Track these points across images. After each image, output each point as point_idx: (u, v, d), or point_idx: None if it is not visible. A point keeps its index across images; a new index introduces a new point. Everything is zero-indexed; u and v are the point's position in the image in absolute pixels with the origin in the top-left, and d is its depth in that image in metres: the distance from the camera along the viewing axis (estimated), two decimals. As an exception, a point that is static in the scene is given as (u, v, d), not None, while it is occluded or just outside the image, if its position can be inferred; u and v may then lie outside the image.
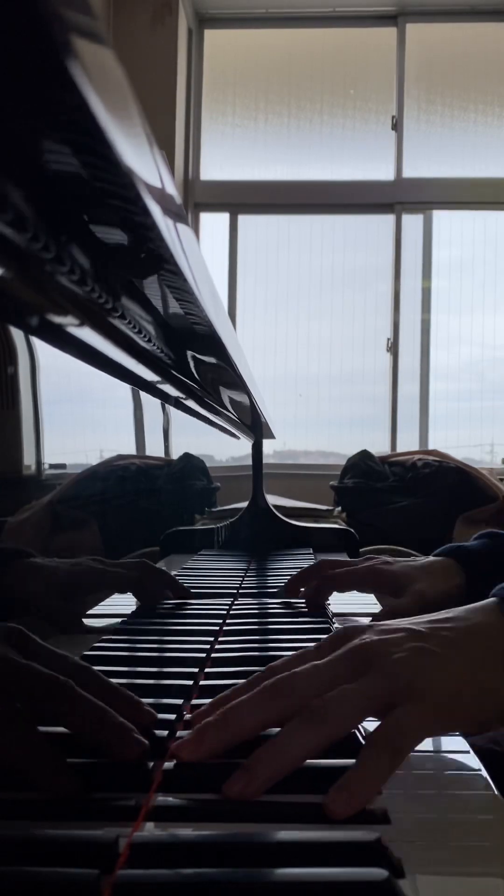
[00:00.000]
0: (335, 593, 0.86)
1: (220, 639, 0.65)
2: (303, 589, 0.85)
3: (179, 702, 0.47)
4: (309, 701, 0.39)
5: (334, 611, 0.82)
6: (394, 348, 4.20)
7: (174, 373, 0.86)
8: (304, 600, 0.83)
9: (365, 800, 0.35)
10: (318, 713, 0.38)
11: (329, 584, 0.82)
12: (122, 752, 0.37)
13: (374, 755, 0.37)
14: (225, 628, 0.70)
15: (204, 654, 0.59)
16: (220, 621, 0.72)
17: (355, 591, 0.86)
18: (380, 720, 0.40)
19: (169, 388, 0.92)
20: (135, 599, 0.80)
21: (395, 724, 0.39)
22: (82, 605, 0.71)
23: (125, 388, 0.79)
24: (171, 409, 0.98)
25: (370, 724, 0.41)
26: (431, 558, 0.84)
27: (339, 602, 0.86)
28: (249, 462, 1.53)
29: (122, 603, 0.78)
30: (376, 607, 0.85)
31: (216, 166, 4.34)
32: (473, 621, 0.46)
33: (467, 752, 0.43)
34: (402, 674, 0.41)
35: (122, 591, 0.78)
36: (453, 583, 0.80)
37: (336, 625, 0.75)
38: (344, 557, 1.31)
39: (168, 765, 0.38)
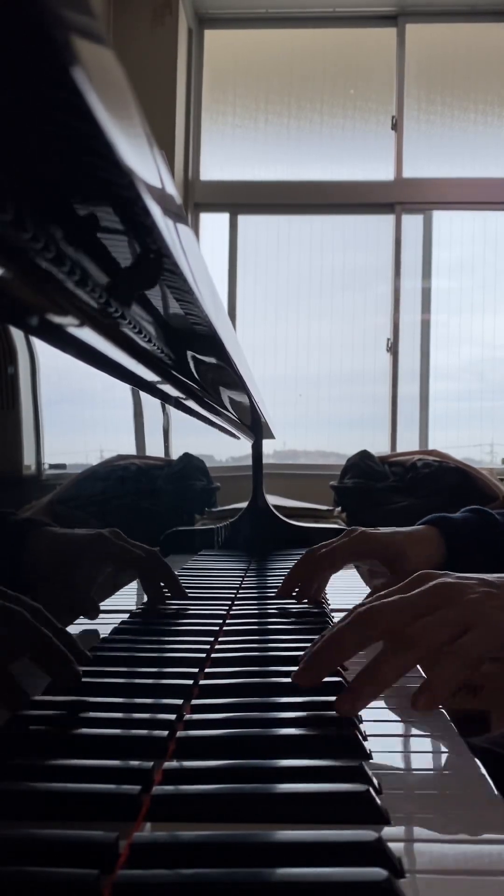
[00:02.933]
0: (336, 599, 0.86)
1: (220, 639, 0.65)
2: (296, 591, 0.83)
3: (179, 702, 0.47)
4: (397, 628, 0.47)
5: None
6: (394, 348, 4.20)
7: (174, 373, 0.86)
8: (303, 600, 0.83)
9: (442, 698, 0.45)
10: (407, 640, 0.46)
11: (322, 567, 0.81)
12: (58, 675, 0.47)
13: (450, 661, 0.46)
14: (225, 628, 0.70)
15: (204, 654, 0.59)
16: (220, 621, 0.72)
17: (354, 595, 0.86)
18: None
19: (169, 389, 0.92)
20: (135, 599, 0.80)
21: (466, 642, 0.46)
22: (91, 581, 0.71)
23: (125, 388, 0.79)
24: (171, 409, 0.98)
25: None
26: (416, 527, 0.86)
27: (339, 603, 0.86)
28: (249, 462, 1.53)
29: (123, 603, 0.78)
30: None
31: (216, 166, 4.34)
32: None
33: (466, 752, 0.43)
34: (475, 609, 0.48)
35: (126, 568, 0.78)
36: (436, 550, 0.83)
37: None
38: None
39: (168, 764, 0.38)
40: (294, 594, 0.83)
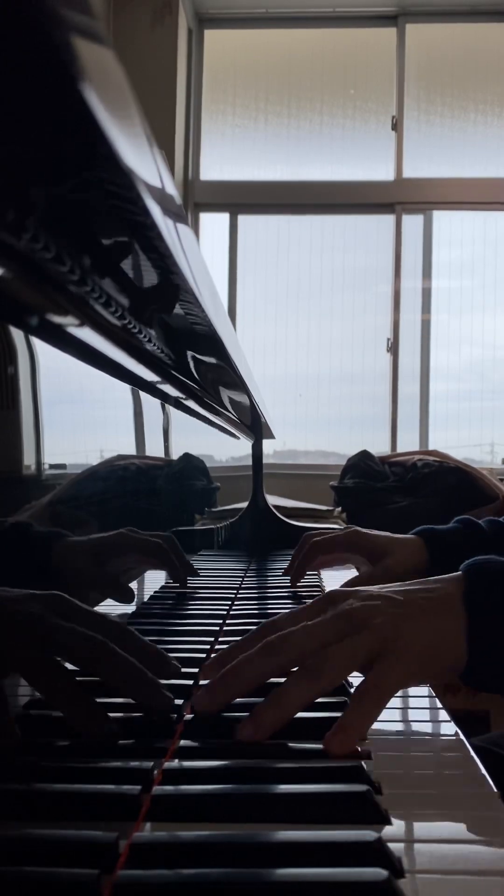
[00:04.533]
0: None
1: (220, 639, 0.65)
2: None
3: (180, 702, 0.47)
4: (303, 658, 0.46)
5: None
6: (394, 348, 4.20)
7: (174, 373, 0.86)
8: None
9: (356, 738, 0.42)
10: (314, 669, 0.45)
11: (314, 550, 0.91)
12: (151, 703, 0.44)
13: (364, 701, 0.44)
14: (225, 628, 0.70)
15: (204, 655, 0.59)
16: (220, 621, 0.72)
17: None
18: (363, 674, 0.46)
19: (169, 388, 0.92)
20: (135, 600, 0.80)
21: (380, 674, 0.45)
22: (122, 571, 0.77)
23: (125, 388, 0.78)
24: (171, 409, 0.98)
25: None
26: (407, 535, 0.91)
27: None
28: (249, 462, 1.53)
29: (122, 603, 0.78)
30: None
31: (216, 166, 4.33)
32: (440, 591, 0.52)
33: (467, 752, 0.43)
34: (383, 635, 0.47)
35: (149, 556, 0.83)
36: (420, 559, 0.88)
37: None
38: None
39: (168, 764, 0.38)
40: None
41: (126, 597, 0.74)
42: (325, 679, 0.45)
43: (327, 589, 0.98)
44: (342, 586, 0.84)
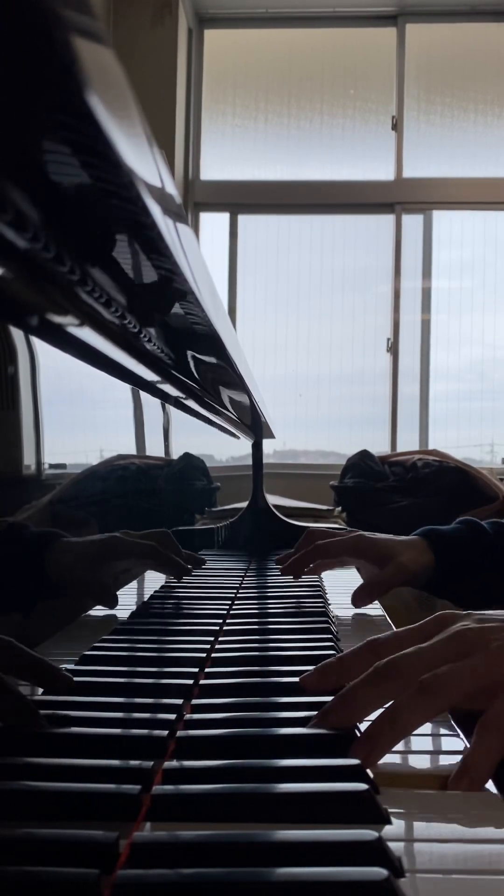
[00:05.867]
0: (336, 599, 0.87)
1: (220, 639, 0.65)
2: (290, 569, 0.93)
3: (179, 702, 0.47)
4: (420, 675, 0.43)
5: (336, 613, 0.82)
6: (394, 348, 4.20)
7: (174, 373, 0.86)
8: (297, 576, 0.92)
9: (485, 778, 0.39)
10: (431, 687, 0.42)
11: (318, 553, 0.90)
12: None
13: (488, 737, 0.41)
14: (225, 628, 0.70)
15: (204, 654, 0.59)
16: (220, 621, 0.72)
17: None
18: (476, 702, 0.43)
19: (169, 388, 0.92)
20: (134, 600, 0.80)
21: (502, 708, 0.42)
22: (111, 578, 0.76)
23: (125, 388, 0.78)
24: (171, 409, 0.98)
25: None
26: (411, 537, 0.91)
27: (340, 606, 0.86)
28: (249, 462, 1.53)
29: (122, 603, 0.78)
30: (378, 610, 0.86)
31: (216, 166, 4.33)
32: None
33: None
34: (502, 660, 0.44)
35: (144, 558, 0.82)
36: (426, 560, 0.88)
37: (334, 626, 0.75)
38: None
39: (168, 764, 0.38)
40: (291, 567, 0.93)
41: (110, 602, 0.73)
42: (443, 698, 0.43)
43: (325, 583, 0.98)
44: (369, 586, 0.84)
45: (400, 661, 0.45)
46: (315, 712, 0.44)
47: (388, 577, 0.85)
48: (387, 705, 0.43)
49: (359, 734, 0.42)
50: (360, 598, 0.84)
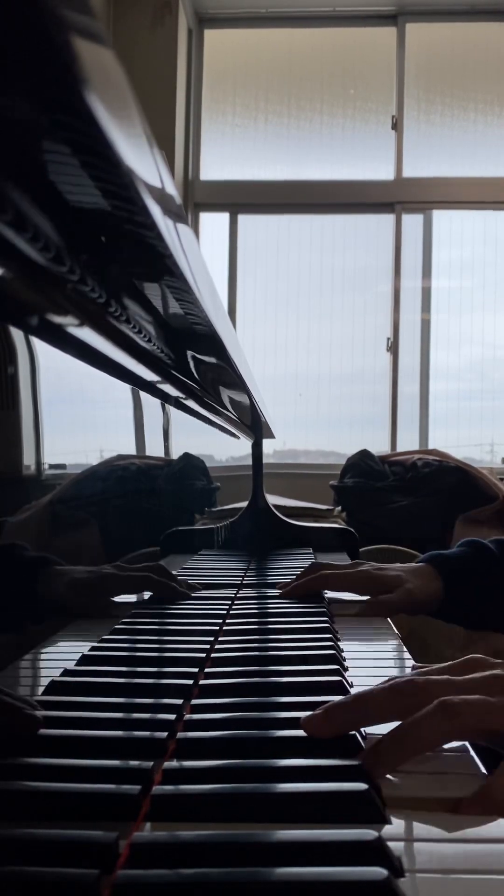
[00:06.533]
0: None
1: (220, 639, 0.65)
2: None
3: (179, 702, 0.47)
4: (443, 697, 0.41)
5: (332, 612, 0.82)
6: (394, 348, 4.20)
7: (174, 373, 0.86)
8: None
9: (496, 813, 0.36)
10: (455, 708, 0.40)
11: (322, 582, 0.87)
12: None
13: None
14: (225, 628, 0.70)
15: (204, 654, 0.59)
16: (220, 621, 0.72)
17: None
18: (495, 742, 0.41)
19: (169, 388, 0.92)
20: (133, 598, 0.80)
21: None
22: (106, 606, 0.76)
23: (125, 388, 0.78)
24: (171, 409, 0.98)
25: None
26: (416, 564, 0.90)
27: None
28: (249, 462, 1.53)
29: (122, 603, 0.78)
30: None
31: (216, 166, 4.33)
32: None
33: (467, 752, 0.43)
34: None
35: (136, 591, 0.82)
36: (434, 587, 0.87)
37: (335, 624, 0.75)
38: (344, 557, 1.31)
39: (168, 764, 0.38)
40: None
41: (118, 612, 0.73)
42: (466, 721, 0.40)
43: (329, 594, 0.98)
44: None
45: (423, 682, 0.43)
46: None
47: (394, 601, 0.84)
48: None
49: (358, 734, 0.42)
50: (365, 612, 0.83)
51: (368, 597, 0.86)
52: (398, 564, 0.90)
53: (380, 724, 0.42)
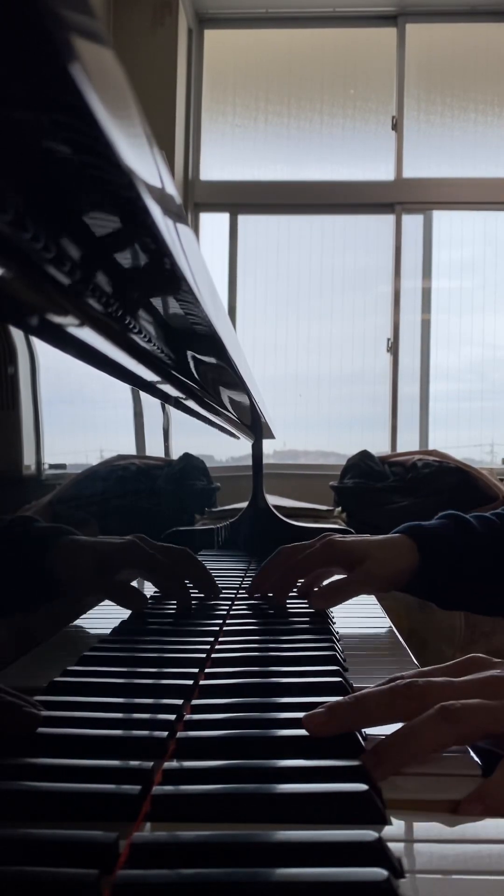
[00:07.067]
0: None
1: (220, 639, 0.65)
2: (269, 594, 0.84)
3: (179, 702, 0.47)
4: (444, 701, 0.41)
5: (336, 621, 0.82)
6: (394, 348, 4.20)
7: (174, 373, 0.86)
8: (299, 599, 0.83)
9: (491, 811, 0.36)
10: (455, 713, 0.40)
11: (292, 576, 0.82)
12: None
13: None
14: (225, 628, 0.70)
15: (204, 654, 0.59)
16: (220, 621, 0.72)
17: (359, 606, 0.85)
18: (499, 745, 0.41)
19: (169, 388, 0.92)
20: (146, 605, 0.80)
21: None
22: (126, 581, 0.74)
23: (125, 388, 0.78)
24: (171, 409, 0.98)
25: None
26: (388, 535, 0.84)
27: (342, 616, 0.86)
28: (249, 462, 1.53)
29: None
30: (383, 619, 0.85)
31: (216, 166, 4.34)
32: None
33: (467, 752, 0.43)
34: None
35: (156, 579, 0.79)
36: (407, 558, 0.81)
37: (335, 625, 0.75)
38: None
39: (168, 764, 0.38)
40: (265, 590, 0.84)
41: (135, 603, 0.71)
42: (466, 727, 0.40)
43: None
44: None
45: (424, 684, 0.43)
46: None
47: (349, 584, 0.79)
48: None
49: (358, 734, 0.42)
50: (316, 601, 0.78)
51: (340, 571, 0.83)
52: (368, 536, 0.84)
53: (380, 725, 0.43)
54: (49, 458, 0.57)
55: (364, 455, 3.26)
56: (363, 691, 0.44)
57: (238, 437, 1.49)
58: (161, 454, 0.97)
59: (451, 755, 0.42)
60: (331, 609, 0.81)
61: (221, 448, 1.42)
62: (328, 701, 0.44)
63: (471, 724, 0.40)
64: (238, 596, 0.88)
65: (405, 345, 4.22)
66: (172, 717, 0.44)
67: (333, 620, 0.77)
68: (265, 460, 1.54)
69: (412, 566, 0.81)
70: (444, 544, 0.82)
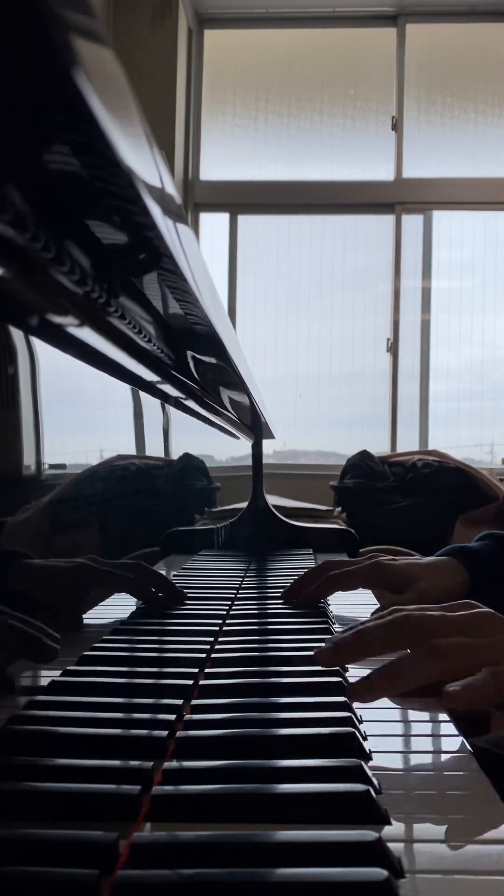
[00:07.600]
0: (337, 594, 0.85)
1: (220, 639, 0.65)
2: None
3: (179, 702, 0.47)
4: (432, 637, 0.46)
5: (335, 612, 0.82)
6: (394, 348, 4.20)
7: (174, 373, 0.86)
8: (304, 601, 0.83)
9: (470, 701, 0.43)
10: (442, 649, 0.45)
11: (332, 585, 0.81)
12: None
13: (486, 679, 0.44)
14: (225, 628, 0.70)
15: (204, 654, 0.59)
16: (220, 621, 0.72)
17: (356, 595, 0.86)
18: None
19: (169, 388, 0.92)
20: (134, 599, 0.80)
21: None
22: (81, 604, 0.71)
23: (125, 388, 0.78)
24: (171, 409, 0.98)
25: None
26: (435, 557, 0.85)
27: (340, 603, 0.86)
28: (249, 462, 1.53)
29: (122, 604, 0.78)
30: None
31: (216, 166, 4.34)
32: None
33: (467, 752, 0.43)
34: None
35: (118, 591, 0.78)
36: (456, 581, 0.82)
37: (336, 626, 0.75)
38: (344, 557, 1.30)
39: (168, 764, 0.38)
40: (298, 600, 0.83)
41: (76, 628, 0.68)
42: (451, 663, 0.44)
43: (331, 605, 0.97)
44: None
45: (419, 616, 0.47)
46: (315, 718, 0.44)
47: (404, 603, 0.81)
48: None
49: (358, 735, 0.42)
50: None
51: (374, 590, 0.84)
52: (415, 558, 0.85)
53: (380, 655, 0.47)
54: (49, 458, 0.57)
55: (364, 455, 3.26)
56: (364, 625, 0.48)
57: (238, 437, 1.49)
58: (161, 454, 0.97)
59: (453, 755, 0.42)
60: (330, 610, 0.81)
61: (221, 448, 1.42)
62: (328, 701, 0.45)
63: (455, 661, 0.45)
64: (238, 596, 0.88)
65: (405, 345, 4.22)
66: (172, 716, 0.44)
67: (333, 620, 0.77)
68: (265, 460, 1.54)
69: (462, 588, 0.82)
70: (493, 565, 0.83)
